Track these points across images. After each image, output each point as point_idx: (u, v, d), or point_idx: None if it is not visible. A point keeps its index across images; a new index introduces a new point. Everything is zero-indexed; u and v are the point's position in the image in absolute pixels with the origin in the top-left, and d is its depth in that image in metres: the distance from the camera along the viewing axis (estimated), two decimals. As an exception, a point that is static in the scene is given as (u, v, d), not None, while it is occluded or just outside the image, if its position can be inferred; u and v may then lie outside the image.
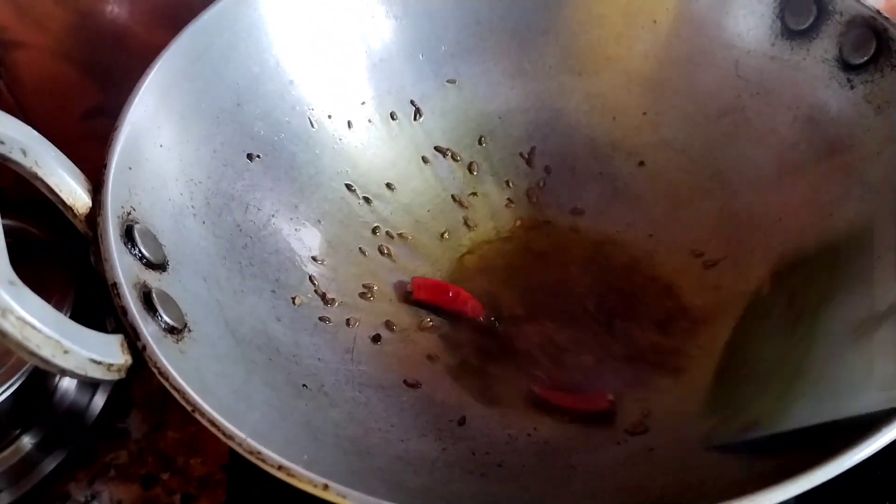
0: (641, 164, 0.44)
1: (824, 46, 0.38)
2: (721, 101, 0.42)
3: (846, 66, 0.38)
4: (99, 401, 0.42)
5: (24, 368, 0.37)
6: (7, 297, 0.21)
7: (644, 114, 0.44)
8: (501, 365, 0.38)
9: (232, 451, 0.39)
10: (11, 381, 0.37)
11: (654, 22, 0.43)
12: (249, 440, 0.23)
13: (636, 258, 0.42)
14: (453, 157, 0.45)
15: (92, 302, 0.41)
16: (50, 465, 0.39)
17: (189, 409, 0.24)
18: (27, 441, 0.39)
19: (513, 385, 0.37)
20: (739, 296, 0.38)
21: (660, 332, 0.39)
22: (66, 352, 0.22)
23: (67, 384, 0.41)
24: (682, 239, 0.42)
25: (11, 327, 0.21)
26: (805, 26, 0.39)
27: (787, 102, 0.40)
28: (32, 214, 0.43)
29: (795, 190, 0.39)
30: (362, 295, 0.40)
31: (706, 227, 0.41)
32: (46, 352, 0.22)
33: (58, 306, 0.41)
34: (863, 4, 0.37)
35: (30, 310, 0.21)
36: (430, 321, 0.40)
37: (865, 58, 0.37)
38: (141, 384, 0.43)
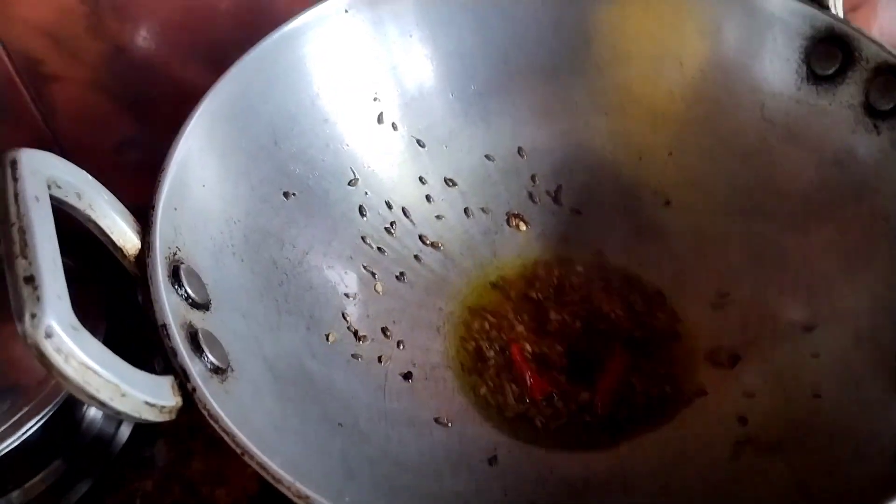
0: (667, 203, 0.45)
1: (850, 92, 0.39)
2: (747, 143, 0.43)
3: (872, 112, 0.38)
4: (125, 430, 0.43)
5: (56, 400, 0.38)
6: (70, 343, 0.22)
7: (670, 154, 0.45)
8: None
9: (262, 483, 0.40)
10: (43, 412, 0.38)
11: (681, 64, 0.44)
12: (298, 484, 0.23)
13: (662, 296, 0.43)
14: (481, 195, 0.46)
15: (124, 329, 0.42)
16: (78, 493, 0.40)
17: (238, 451, 0.24)
18: (56, 469, 0.40)
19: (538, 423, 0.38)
20: (768, 339, 0.38)
21: (682, 369, 0.39)
22: (123, 395, 0.23)
23: (94, 413, 0.42)
24: (707, 278, 0.42)
25: (73, 372, 0.22)
26: (831, 72, 0.40)
27: (812, 146, 0.40)
28: (64, 245, 0.44)
29: (822, 232, 0.39)
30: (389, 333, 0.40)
31: (732, 266, 0.42)
32: (105, 395, 0.22)
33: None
34: (889, 52, 0.37)
35: (91, 354, 0.22)
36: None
37: (892, 104, 0.37)
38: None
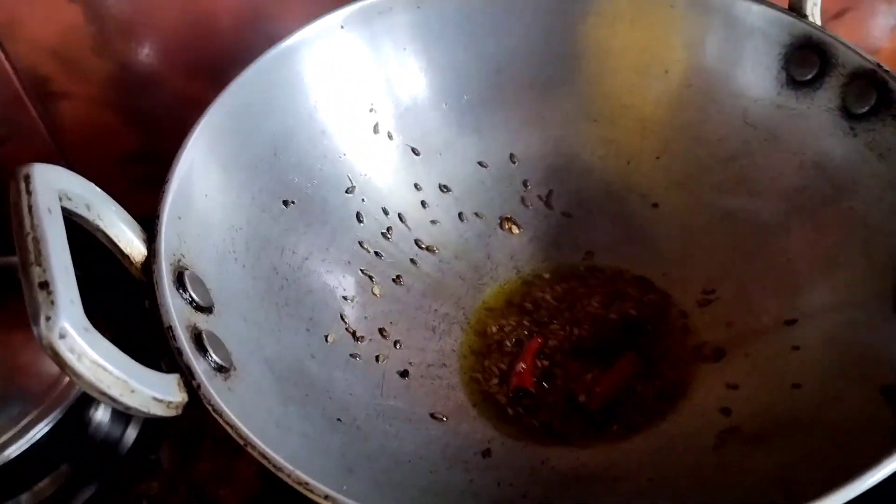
0: (655, 205, 0.46)
1: (828, 96, 0.40)
2: (730, 147, 0.44)
3: (849, 116, 0.40)
4: (132, 433, 0.44)
5: (63, 405, 0.39)
6: (82, 343, 0.23)
7: (657, 158, 0.46)
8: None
9: (262, 484, 0.41)
10: (50, 416, 0.39)
11: (666, 72, 0.45)
12: (298, 472, 0.25)
13: (651, 296, 0.44)
14: (475, 200, 0.47)
15: (127, 334, 0.42)
16: (84, 495, 0.41)
17: (241, 442, 0.26)
18: (63, 472, 0.41)
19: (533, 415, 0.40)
20: (750, 333, 0.40)
21: (671, 366, 0.41)
22: (132, 391, 0.24)
23: (101, 417, 0.43)
24: (694, 277, 0.43)
25: (86, 370, 0.23)
26: (809, 77, 0.41)
27: (793, 149, 0.42)
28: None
29: (803, 233, 0.41)
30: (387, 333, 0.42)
31: (718, 266, 0.43)
32: (115, 391, 0.24)
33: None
34: (864, 58, 0.39)
35: (102, 353, 0.24)
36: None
37: (867, 107, 0.39)
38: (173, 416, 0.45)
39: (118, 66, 0.49)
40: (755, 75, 0.43)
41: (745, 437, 0.34)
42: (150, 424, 0.44)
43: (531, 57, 0.46)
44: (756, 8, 0.42)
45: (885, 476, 0.26)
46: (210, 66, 0.49)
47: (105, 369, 0.24)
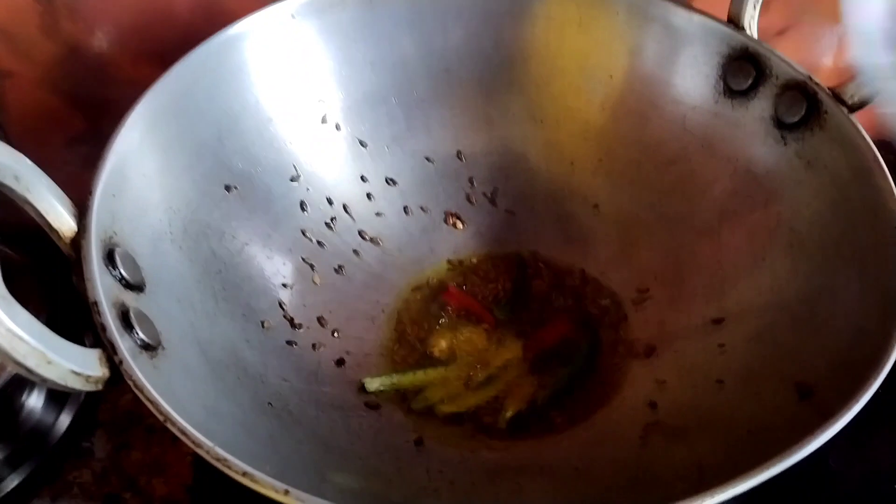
0: (596, 206, 0.47)
1: (762, 106, 0.42)
2: (669, 152, 0.45)
3: (780, 125, 0.41)
4: (65, 420, 0.43)
5: (-7, 389, 0.38)
6: (-1, 310, 0.23)
7: (599, 160, 0.47)
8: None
9: (195, 472, 0.41)
10: (-19, 401, 0.38)
11: (611, 77, 0.47)
12: (217, 448, 0.25)
13: (589, 293, 0.45)
14: (421, 194, 0.48)
15: (66, 325, 0.42)
16: (14, 481, 0.40)
17: (161, 419, 0.26)
18: (-7, 458, 0.40)
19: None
20: (682, 330, 0.41)
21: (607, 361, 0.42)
22: (49, 362, 0.24)
23: (34, 403, 0.42)
24: (630, 277, 0.45)
25: (1, 338, 0.23)
26: (744, 87, 0.42)
27: (727, 155, 0.43)
28: (10, 238, 0.45)
29: (733, 236, 0.42)
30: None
31: (653, 266, 0.44)
32: (31, 362, 0.24)
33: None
34: (796, 70, 0.40)
35: (18, 322, 0.23)
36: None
37: (797, 118, 0.40)
38: (107, 404, 0.44)
39: (67, 48, 0.48)
40: (695, 84, 0.44)
41: (667, 430, 0.35)
42: (84, 411, 0.43)
43: (480, 57, 0.47)
44: (697, 18, 0.43)
45: (792, 463, 0.27)
46: (162, 52, 0.48)
47: (21, 338, 0.23)
